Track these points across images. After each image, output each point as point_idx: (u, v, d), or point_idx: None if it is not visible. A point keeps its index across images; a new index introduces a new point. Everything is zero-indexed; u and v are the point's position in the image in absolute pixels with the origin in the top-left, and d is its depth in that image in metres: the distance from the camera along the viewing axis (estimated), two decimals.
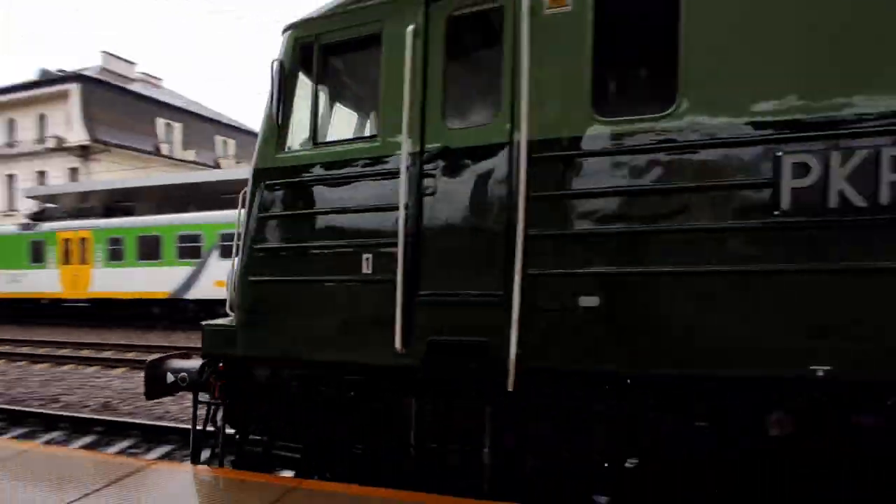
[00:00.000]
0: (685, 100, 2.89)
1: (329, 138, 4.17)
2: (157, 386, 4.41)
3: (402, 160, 3.49)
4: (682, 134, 2.90)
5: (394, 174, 3.55)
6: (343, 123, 4.49)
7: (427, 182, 3.52)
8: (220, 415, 4.36)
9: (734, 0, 2.85)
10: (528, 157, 3.15)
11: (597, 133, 3.10)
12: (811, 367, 2.62)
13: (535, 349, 3.16)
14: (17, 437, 6.61)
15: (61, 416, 7.26)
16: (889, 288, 2.53)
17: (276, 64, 3.93)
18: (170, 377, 4.36)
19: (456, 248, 3.44)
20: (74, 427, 6.96)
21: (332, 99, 4.41)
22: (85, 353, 13.09)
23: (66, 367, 11.33)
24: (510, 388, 3.14)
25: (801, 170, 2.66)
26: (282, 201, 4.09)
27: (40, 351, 13.43)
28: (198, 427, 4.43)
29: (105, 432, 6.76)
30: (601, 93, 3.30)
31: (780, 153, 2.71)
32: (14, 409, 7.54)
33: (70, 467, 3.96)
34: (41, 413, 7.39)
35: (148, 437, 6.55)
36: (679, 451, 3.06)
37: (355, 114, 4.57)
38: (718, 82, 2.86)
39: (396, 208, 3.47)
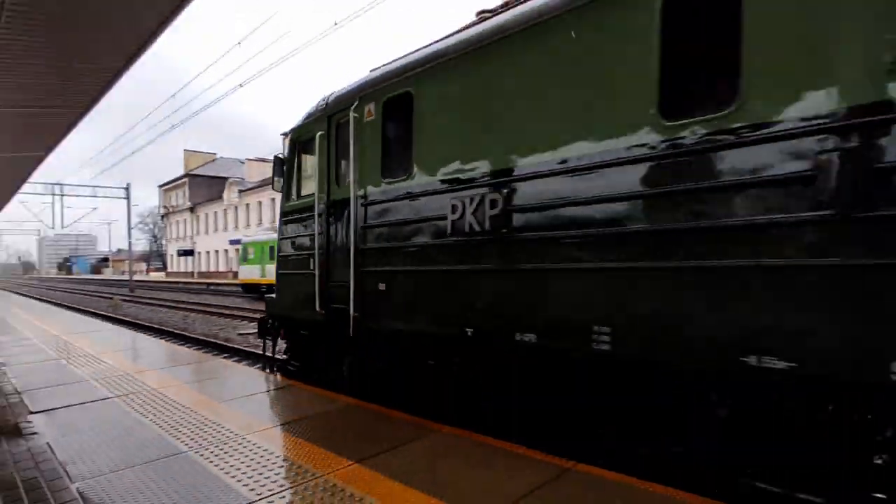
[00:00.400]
0: (416, 171, 5.00)
1: (302, 194, 6.97)
2: (260, 330, 7.89)
3: (317, 207, 6.34)
4: (414, 188, 5.00)
5: (327, 217, 6.25)
6: (309, 187, 6.84)
7: (328, 219, 6.22)
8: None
9: (436, 118, 4.89)
10: (355, 205, 5.64)
11: (379, 189, 5.41)
12: (463, 327, 4.55)
13: (362, 313, 5.56)
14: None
15: (216, 343, 13.00)
16: (488, 280, 4.37)
17: (280, 155, 7.27)
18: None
19: (337, 256, 6.01)
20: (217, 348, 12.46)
21: (301, 173, 7.13)
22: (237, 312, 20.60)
23: (224, 320, 18.87)
24: (351, 334, 5.67)
25: (455, 209, 4.55)
26: (284, 229, 7.28)
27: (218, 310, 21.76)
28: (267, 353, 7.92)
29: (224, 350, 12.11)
30: (385, 167, 5.42)
31: (448, 200, 4.63)
32: (186, 335, 14.43)
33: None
34: (204, 340, 13.50)
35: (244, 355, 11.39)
36: (419, 365, 5.26)
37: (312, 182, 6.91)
38: (428, 161, 4.92)
39: (319, 234, 6.30)
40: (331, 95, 6.39)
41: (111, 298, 31.29)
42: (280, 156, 7.25)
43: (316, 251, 6.30)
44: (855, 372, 2.62)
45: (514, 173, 4.15)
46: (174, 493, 3.16)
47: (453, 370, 4.89)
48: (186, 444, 4.00)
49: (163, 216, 76.55)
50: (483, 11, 5.73)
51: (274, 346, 7.78)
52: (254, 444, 3.97)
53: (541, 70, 4.04)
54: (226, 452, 3.82)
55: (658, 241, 3.29)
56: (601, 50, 3.65)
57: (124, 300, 30.39)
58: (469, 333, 4.48)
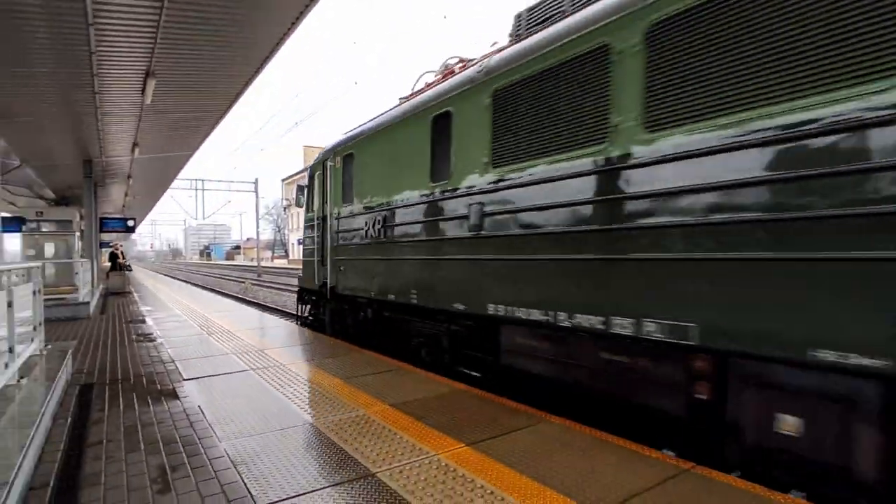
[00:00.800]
0: (354, 200, 8.20)
1: (311, 210, 10.42)
2: (298, 298, 11.74)
3: (315, 219, 9.98)
4: (353, 211, 8.22)
5: (321, 225, 9.67)
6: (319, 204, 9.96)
7: (322, 227, 9.62)
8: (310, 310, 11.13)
9: (362, 169, 8.12)
10: (331, 219, 9.11)
11: (340, 210, 8.77)
12: (369, 292, 7.88)
13: (335, 284, 8.99)
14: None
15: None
16: (378, 266, 7.50)
17: (301, 184, 11.13)
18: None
19: (325, 250, 9.40)
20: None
21: (312, 196, 10.47)
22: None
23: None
24: (328, 297, 9.45)
25: (366, 223, 7.71)
26: (305, 232, 11.01)
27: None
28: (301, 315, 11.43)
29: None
30: (343, 196, 8.73)
31: (364, 218, 7.86)
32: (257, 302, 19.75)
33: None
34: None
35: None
36: (355, 317, 8.78)
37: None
38: (358, 194, 8.11)
39: (317, 236, 9.73)
40: (327, 147, 9.90)
41: (243, 282, 34.66)
42: (301, 185, 11.37)
43: (316, 246, 9.94)
44: (480, 308, 5.53)
45: (386, 205, 7.31)
46: (304, 458, 3.47)
47: (369, 315, 8.29)
48: (311, 415, 4.37)
49: (285, 207, 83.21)
50: (403, 97, 7.92)
51: (304, 309, 11.41)
52: (373, 421, 4.24)
53: (392, 149, 7.28)
54: (349, 427, 4.11)
55: (430, 244, 6.35)
56: (411, 142, 6.78)
57: (253, 284, 33.53)
58: (372, 296, 7.78)
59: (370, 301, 7.98)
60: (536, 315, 4.75)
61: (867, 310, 2.74)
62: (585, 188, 4.27)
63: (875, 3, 2.71)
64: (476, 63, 6.03)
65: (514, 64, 5.10)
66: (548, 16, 5.35)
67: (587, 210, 4.25)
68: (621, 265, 3.97)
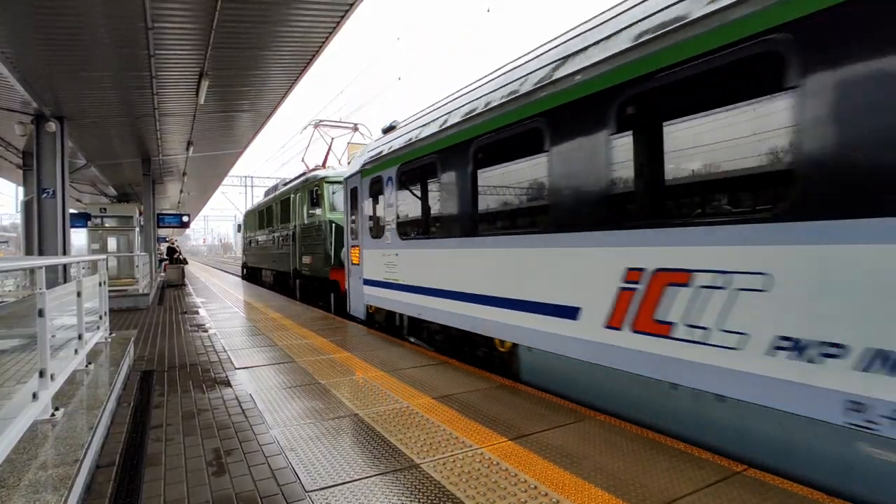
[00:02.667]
0: (273, 229, 19.00)
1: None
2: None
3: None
4: (272, 233, 18.96)
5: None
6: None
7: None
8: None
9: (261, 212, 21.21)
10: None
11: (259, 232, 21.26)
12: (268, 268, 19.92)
13: (300, 268, 15.13)
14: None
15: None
16: (272, 254, 19.35)
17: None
18: None
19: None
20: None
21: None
22: None
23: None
24: (294, 277, 16.20)
25: (260, 244, 22.10)
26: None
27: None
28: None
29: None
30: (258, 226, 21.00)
31: (264, 243, 20.91)
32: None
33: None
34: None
35: None
36: (285, 283, 17.63)
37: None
38: (258, 227, 22.13)
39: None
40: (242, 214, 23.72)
41: None
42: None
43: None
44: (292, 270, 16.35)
45: (268, 234, 19.91)
46: (349, 447, 3.56)
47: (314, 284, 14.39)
48: (356, 406, 4.47)
49: None
50: (269, 189, 20.24)
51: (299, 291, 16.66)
52: (417, 414, 4.30)
53: (268, 212, 19.50)
54: (393, 419, 4.19)
55: (279, 250, 17.63)
56: (295, 203, 15.42)
57: None
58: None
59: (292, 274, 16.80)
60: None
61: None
62: (284, 238, 16.88)
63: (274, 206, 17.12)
64: (286, 184, 17.87)
65: (269, 196, 20.10)
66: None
67: (282, 244, 17.19)
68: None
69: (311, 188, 13.67)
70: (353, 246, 10.04)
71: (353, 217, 9.99)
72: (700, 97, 3.78)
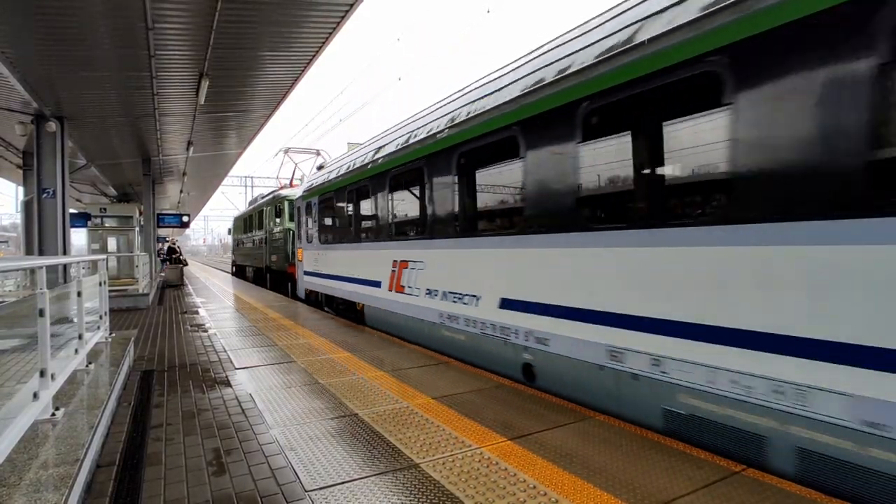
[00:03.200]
0: (252, 234, 23.99)
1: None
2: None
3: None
4: (252, 237, 24.24)
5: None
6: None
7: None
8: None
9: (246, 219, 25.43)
10: (269, 235, 20.53)
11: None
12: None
13: (270, 264, 19.98)
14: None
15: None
16: (253, 251, 24.11)
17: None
18: None
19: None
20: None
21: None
22: None
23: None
24: (266, 271, 21.10)
25: (243, 245, 28.12)
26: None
27: None
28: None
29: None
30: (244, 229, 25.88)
31: (246, 245, 26.41)
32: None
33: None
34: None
35: None
36: (261, 276, 22.11)
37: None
38: (242, 231, 27.46)
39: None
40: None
41: None
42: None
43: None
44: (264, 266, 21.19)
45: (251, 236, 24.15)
46: (349, 447, 3.57)
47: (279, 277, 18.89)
48: (356, 406, 4.48)
49: None
50: (252, 200, 26.22)
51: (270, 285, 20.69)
52: (417, 413, 4.31)
53: (259, 215, 22.59)
54: (393, 419, 4.20)
55: (257, 251, 22.72)
56: (266, 214, 20.58)
57: None
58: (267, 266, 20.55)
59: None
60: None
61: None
62: (260, 241, 22.19)
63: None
64: (263, 198, 23.59)
65: (251, 207, 25.76)
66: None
67: (258, 245, 22.67)
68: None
69: (276, 204, 18.85)
70: (298, 248, 14.30)
71: (299, 228, 14.35)
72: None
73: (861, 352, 2.76)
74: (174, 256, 24.91)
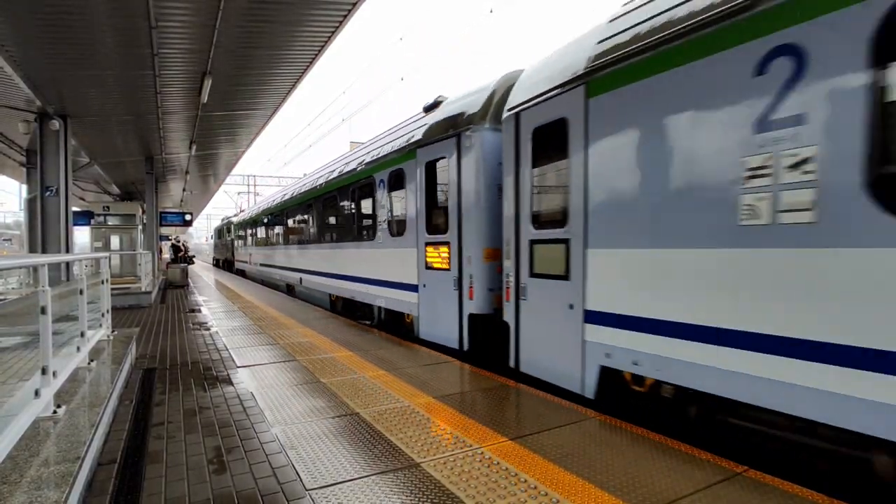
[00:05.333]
0: (223, 239, 36.12)
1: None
2: None
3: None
4: (223, 240, 36.50)
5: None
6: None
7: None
8: None
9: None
10: (229, 240, 34.87)
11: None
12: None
13: (230, 258, 31.23)
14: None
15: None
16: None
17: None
18: None
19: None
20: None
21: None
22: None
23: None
24: (224, 261, 34.40)
25: (220, 245, 38.69)
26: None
27: None
28: None
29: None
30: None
31: (221, 245, 38.00)
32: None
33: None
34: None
35: None
36: (229, 266, 32.67)
37: None
38: (219, 237, 39.18)
39: None
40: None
41: None
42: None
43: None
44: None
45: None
46: (350, 446, 3.57)
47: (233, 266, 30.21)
48: (357, 405, 4.48)
49: None
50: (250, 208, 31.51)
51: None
52: (418, 413, 4.30)
53: (227, 227, 34.70)
54: (394, 418, 4.20)
55: (227, 250, 34.08)
56: (227, 227, 33.51)
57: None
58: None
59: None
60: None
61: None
62: (226, 244, 34.48)
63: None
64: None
65: (223, 221, 37.01)
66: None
67: (227, 246, 34.86)
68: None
69: (225, 225, 34.94)
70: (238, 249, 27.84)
71: (229, 239, 30.74)
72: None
73: None
74: (179, 255, 24.90)
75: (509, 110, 5.65)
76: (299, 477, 3.12)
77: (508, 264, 5.68)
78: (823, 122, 2.91)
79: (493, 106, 6.47)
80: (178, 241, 27.95)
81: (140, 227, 21.44)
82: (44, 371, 3.38)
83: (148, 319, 10.17)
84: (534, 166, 5.31)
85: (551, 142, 5.06)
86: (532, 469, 3.21)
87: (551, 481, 3.05)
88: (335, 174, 11.36)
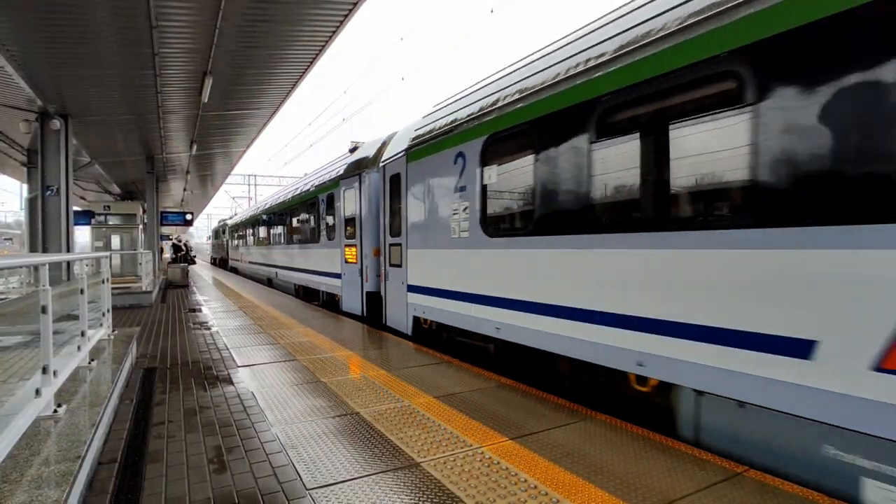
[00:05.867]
0: (219, 240, 40.69)
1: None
2: None
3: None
4: (219, 240, 41.10)
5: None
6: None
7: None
8: None
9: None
10: (223, 239, 38.83)
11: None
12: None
13: (225, 256, 35.22)
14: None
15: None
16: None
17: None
18: None
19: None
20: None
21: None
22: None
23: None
24: (219, 259, 39.32)
25: (216, 245, 43.00)
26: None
27: None
28: None
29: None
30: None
31: (217, 245, 42.18)
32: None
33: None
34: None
35: None
36: (223, 263, 36.52)
37: None
38: (215, 238, 44.41)
39: None
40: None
41: None
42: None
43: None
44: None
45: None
46: (350, 446, 3.57)
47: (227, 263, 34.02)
48: (357, 404, 4.48)
49: None
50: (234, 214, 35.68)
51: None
52: (418, 412, 4.30)
53: (222, 229, 39.47)
54: (394, 417, 4.20)
55: (222, 248, 37.95)
56: (222, 229, 38.78)
57: None
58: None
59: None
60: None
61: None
62: (220, 244, 38.91)
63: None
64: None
65: (219, 223, 42.00)
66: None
67: (221, 246, 38.75)
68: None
69: (220, 227, 39.89)
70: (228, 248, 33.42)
71: (224, 239, 36.20)
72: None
73: None
74: (180, 255, 24.87)
75: (381, 162, 8.87)
76: (299, 476, 3.12)
77: (381, 259, 8.97)
78: (470, 191, 6.12)
79: (380, 156, 9.35)
80: (180, 241, 27.92)
81: (141, 226, 21.45)
82: (44, 370, 3.39)
83: (148, 319, 10.18)
84: (389, 199, 8.46)
85: (395, 186, 8.19)
86: (532, 469, 3.21)
87: (552, 481, 3.05)
88: (298, 192, 15.16)
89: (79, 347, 4.69)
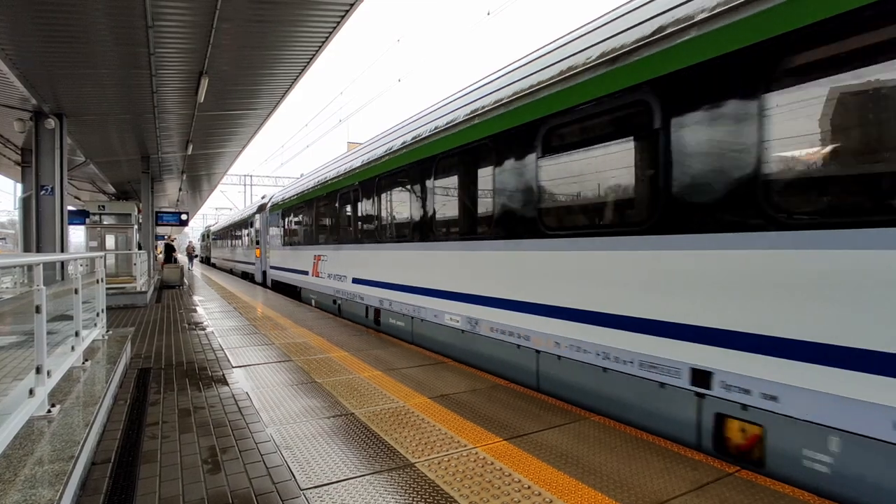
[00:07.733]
0: (207, 242, 49.91)
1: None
2: None
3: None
4: (207, 242, 48.29)
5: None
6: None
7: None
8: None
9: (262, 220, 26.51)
10: (208, 241, 48.48)
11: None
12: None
13: (207, 254, 46.99)
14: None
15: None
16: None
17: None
18: None
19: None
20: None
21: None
22: None
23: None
24: (205, 257, 48.63)
25: (205, 246, 50.31)
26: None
27: None
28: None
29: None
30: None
31: (205, 246, 51.05)
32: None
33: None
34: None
35: None
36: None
37: None
38: (204, 239, 53.28)
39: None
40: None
41: None
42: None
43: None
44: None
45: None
46: (344, 446, 3.58)
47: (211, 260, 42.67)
48: (352, 405, 4.49)
49: None
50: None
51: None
52: (413, 413, 4.31)
53: (209, 233, 47.19)
54: (389, 418, 4.21)
55: (209, 249, 46.13)
56: (208, 234, 49.65)
57: None
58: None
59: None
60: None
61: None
62: (207, 246, 47.79)
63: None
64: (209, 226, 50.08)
65: (217, 227, 42.93)
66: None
67: (209, 247, 46.78)
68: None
69: (205, 232, 52.80)
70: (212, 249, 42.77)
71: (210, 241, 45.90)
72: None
73: None
74: (171, 255, 24.80)
75: (269, 207, 17.25)
76: (294, 477, 3.13)
77: (263, 255, 18.22)
78: (278, 227, 17.04)
79: (265, 205, 18.06)
80: (173, 241, 27.88)
81: (136, 226, 21.37)
82: (38, 370, 3.38)
83: (143, 319, 10.14)
84: (266, 227, 17.99)
85: (270, 221, 17.32)
86: (526, 469, 3.23)
87: (545, 481, 3.06)
88: (248, 212, 23.97)
89: (73, 347, 4.68)
